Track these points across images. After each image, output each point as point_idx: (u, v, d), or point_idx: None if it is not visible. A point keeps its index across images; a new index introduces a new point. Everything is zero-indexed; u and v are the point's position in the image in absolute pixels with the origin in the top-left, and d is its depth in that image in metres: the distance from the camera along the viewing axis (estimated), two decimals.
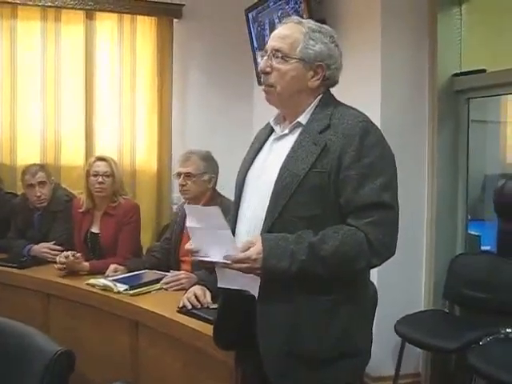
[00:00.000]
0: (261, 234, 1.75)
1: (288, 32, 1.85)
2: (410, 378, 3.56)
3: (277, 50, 1.84)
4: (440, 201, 3.56)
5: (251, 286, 1.79)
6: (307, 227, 1.72)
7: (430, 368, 3.58)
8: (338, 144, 1.73)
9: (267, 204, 1.77)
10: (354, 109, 1.86)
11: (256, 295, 1.79)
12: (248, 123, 4.81)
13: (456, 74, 3.57)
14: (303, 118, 1.85)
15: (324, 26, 1.91)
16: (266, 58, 1.86)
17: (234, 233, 1.87)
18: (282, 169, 1.77)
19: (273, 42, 1.87)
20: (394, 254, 1.76)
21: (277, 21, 4.11)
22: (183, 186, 3.19)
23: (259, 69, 1.89)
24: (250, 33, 4.54)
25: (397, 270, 3.38)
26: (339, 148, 1.72)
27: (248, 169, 1.94)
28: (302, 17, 3.81)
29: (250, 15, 4.48)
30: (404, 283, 3.56)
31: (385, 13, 3.50)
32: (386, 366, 3.46)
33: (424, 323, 3.35)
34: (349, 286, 1.78)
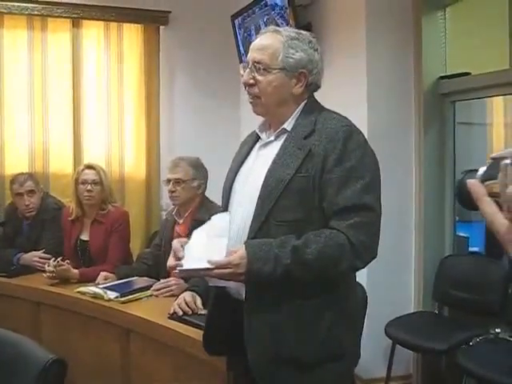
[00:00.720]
0: (245, 242, 1.76)
1: (267, 42, 1.88)
2: (402, 379, 3.57)
3: (258, 62, 1.86)
4: (428, 203, 3.59)
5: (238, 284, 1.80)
6: (293, 231, 1.74)
7: (421, 369, 3.60)
8: (321, 148, 1.75)
9: (254, 208, 1.79)
10: (337, 114, 1.88)
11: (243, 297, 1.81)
12: (235, 128, 4.84)
13: (441, 77, 3.61)
14: (288, 125, 1.87)
15: (302, 31, 1.94)
16: (248, 70, 1.88)
17: None
18: (267, 174, 1.80)
19: (253, 53, 1.89)
20: (376, 255, 1.77)
21: (263, 26, 4.12)
22: (173, 192, 3.19)
23: (242, 81, 1.91)
24: (237, 39, 4.55)
25: (386, 272, 3.41)
26: (323, 152, 1.75)
27: (235, 176, 1.96)
28: (287, 22, 3.84)
29: (235, 21, 4.50)
30: (393, 285, 3.58)
31: (370, 17, 3.53)
32: (377, 368, 3.48)
33: (414, 325, 3.37)
34: (333, 290, 1.80)
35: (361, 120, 3.42)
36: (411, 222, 3.63)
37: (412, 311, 3.60)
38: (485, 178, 0.87)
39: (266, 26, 4.09)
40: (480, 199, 0.84)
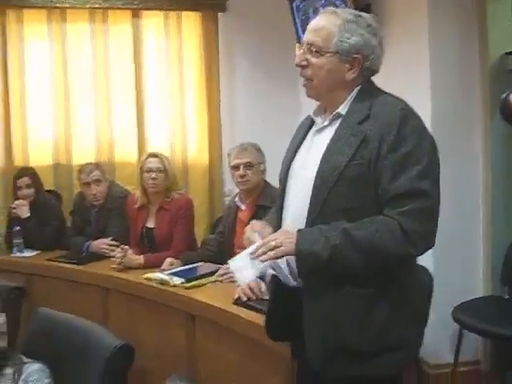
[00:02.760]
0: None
1: (322, 24, 1.83)
2: (470, 365, 3.49)
3: (311, 44, 1.82)
4: (495, 185, 3.46)
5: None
6: (348, 219, 1.71)
7: (490, 355, 3.51)
8: (377, 134, 1.71)
9: (309, 197, 1.78)
10: (393, 96, 1.83)
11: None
12: (296, 113, 4.76)
13: (507, 53, 3.47)
14: (343, 109, 1.83)
15: (362, 14, 1.87)
16: (301, 51, 1.85)
17: (280, 224, 1.91)
18: (322, 161, 1.77)
19: (308, 34, 1.85)
20: (432, 244, 1.71)
21: (320, 9, 4.06)
22: (244, 176, 3.21)
23: (295, 63, 1.87)
24: (295, 22, 4.51)
25: (453, 256, 3.35)
26: (378, 138, 1.70)
27: (291, 161, 1.95)
28: (346, 3, 3.78)
29: (293, 4, 4.45)
30: (461, 269, 3.48)
31: None
32: (445, 354, 3.41)
33: (482, 310, 3.28)
34: (390, 279, 1.76)
35: (424, 102, 3.34)
36: (479, 205, 3.53)
37: (480, 296, 3.51)
38: None
39: (323, 8, 4.03)
40: None
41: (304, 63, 1.84)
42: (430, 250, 1.75)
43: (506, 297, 3.46)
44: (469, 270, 3.53)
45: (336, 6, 3.84)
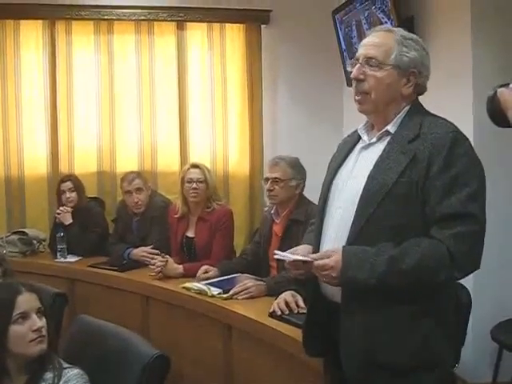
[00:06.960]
0: (343, 246, 1.77)
1: (380, 40, 1.87)
2: None
3: (370, 58, 1.84)
4: None
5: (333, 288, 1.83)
6: (392, 236, 1.72)
7: None
8: (426, 154, 1.72)
9: (354, 212, 1.79)
10: (443, 119, 1.84)
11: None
12: (338, 126, 4.83)
13: None
14: (392, 127, 1.85)
15: (411, 34, 1.92)
16: (358, 65, 1.86)
17: (318, 240, 1.93)
18: (369, 177, 1.79)
19: (365, 50, 1.87)
20: (478, 267, 1.72)
21: (364, 21, 4.08)
22: (271, 191, 3.24)
23: (352, 76, 1.88)
24: (338, 35, 4.52)
25: (494, 274, 3.27)
26: (427, 158, 1.72)
27: (334, 176, 1.96)
28: (388, 16, 3.78)
29: (336, 17, 4.47)
30: (501, 287, 3.42)
31: (475, 7, 3.37)
32: (483, 373, 3.33)
33: None
34: (431, 298, 1.76)
35: (466, 119, 3.28)
36: None
37: None
38: None
39: (366, 21, 4.05)
40: (509, 106, 0.96)
41: (361, 77, 1.86)
42: None
43: None
44: (508, 289, 3.45)
45: (379, 19, 3.86)
